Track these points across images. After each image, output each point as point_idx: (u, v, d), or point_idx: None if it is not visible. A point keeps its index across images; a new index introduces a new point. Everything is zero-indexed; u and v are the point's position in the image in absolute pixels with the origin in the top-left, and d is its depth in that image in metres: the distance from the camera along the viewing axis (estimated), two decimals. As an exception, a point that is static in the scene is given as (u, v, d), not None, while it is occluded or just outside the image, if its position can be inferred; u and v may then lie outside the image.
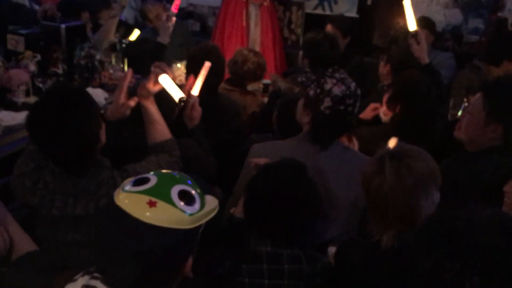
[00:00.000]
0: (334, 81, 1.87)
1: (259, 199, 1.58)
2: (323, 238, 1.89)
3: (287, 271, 1.54)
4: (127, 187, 1.08)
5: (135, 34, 3.98)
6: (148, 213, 1.02)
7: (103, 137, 1.67)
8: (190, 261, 1.14)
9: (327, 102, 1.85)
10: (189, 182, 1.14)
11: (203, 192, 1.15)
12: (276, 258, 1.56)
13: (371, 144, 2.28)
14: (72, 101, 1.57)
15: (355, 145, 2.21)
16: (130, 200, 1.04)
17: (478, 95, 1.95)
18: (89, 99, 1.64)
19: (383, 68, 3.05)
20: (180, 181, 1.12)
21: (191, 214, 1.08)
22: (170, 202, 1.05)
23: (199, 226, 1.11)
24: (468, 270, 0.79)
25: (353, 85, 1.90)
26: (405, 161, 1.44)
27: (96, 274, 1.09)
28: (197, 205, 1.10)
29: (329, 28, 3.93)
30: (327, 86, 1.86)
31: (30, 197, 1.61)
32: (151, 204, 1.03)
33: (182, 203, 1.07)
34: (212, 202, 1.15)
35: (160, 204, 1.04)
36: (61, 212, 1.59)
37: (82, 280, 1.10)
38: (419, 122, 2.42)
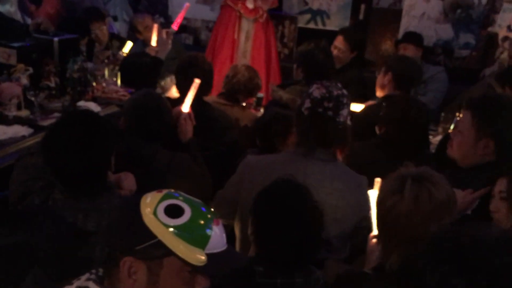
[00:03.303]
0: (318, 86, 1.95)
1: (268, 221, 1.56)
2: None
3: (280, 285, 1.52)
4: (169, 222, 1.08)
5: (128, 46, 3.96)
6: None
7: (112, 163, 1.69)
8: None
9: (307, 103, 1.93)
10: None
11: None
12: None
13: (361, 158, 2.28)
14: (89, 124, 1.60)
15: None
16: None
17: (466, 112, 1.95)
18: (107, 124, 1.67)
19: (383, 78, 2.92)
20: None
21: None
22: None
23: None
24: (474, 287, 0.79)
25: (337, 92, 1.92)
26: (427, 187, 1.40)
27: (92, 277, 1.15)
28: None
29: (339, 40, 3.94)
30: (310, 90, 1.96)
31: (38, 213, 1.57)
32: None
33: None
34: None
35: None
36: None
37: (77, 282, 1.16)
38: (410, 141, 2.37)
